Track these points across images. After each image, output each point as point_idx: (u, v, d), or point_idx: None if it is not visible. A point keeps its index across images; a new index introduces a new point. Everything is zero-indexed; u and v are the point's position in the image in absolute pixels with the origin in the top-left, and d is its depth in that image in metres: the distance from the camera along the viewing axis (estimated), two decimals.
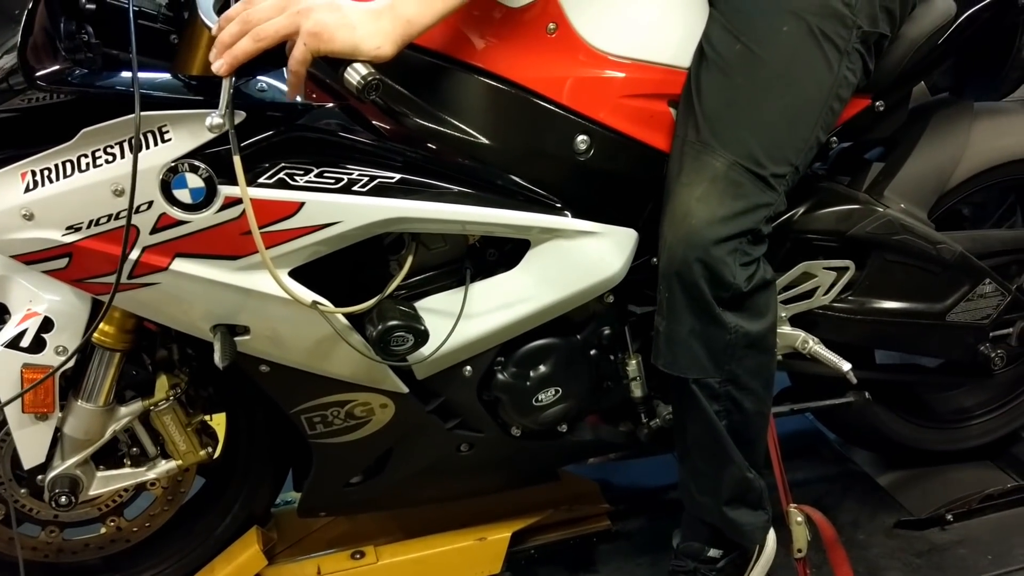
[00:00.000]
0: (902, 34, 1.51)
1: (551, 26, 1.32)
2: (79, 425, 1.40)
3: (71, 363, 1.35)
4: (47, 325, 1.32)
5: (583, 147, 1.36)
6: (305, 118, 1.24)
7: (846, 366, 1.59)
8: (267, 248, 1.20)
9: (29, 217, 1.19)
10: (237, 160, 1.14)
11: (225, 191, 1.20)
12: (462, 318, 1.37)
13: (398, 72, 1.29)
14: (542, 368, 1.47)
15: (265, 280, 1.25)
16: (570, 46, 1.34)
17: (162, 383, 1.44)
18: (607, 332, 1.51)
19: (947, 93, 1.77)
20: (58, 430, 1.40)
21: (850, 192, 1.69)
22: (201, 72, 1.23)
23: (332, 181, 1.24)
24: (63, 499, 1.40)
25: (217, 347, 1.24)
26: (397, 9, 1.12)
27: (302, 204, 1.22)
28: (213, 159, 1.19)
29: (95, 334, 1.35)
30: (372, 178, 1.26)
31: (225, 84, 1.11)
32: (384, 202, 1.26)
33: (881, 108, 1.59)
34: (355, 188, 1.25)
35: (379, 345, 1.26)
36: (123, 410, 1.44)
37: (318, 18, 1.09)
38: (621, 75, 1.35)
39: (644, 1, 1.38)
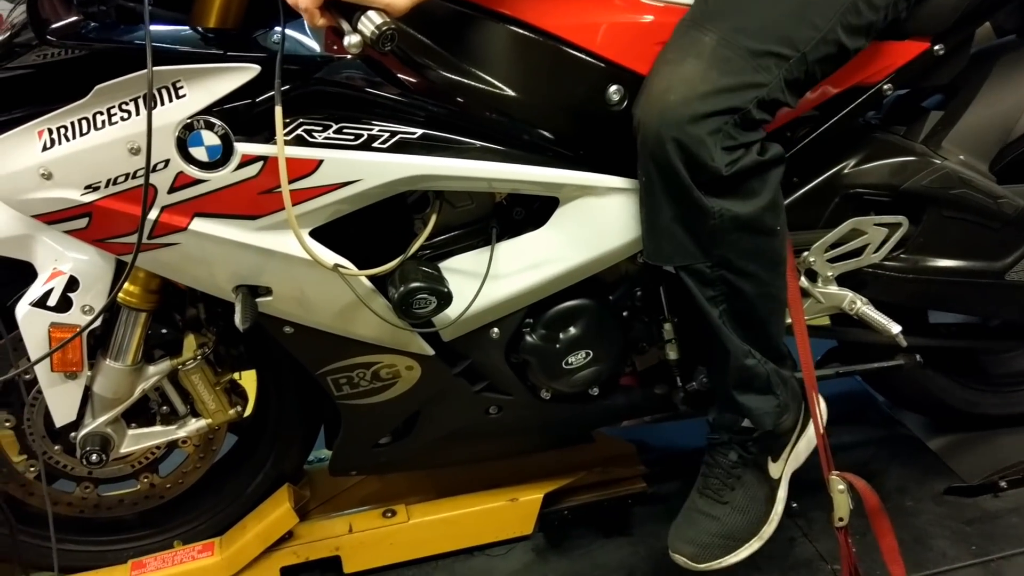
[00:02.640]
0: None
1: None
2: (108, 384, 1.40)
3: (97, 323, 1.33)
4: (72, 284, 1.31)
5: (616, 98, 1.30)
6: (324, 71, 1.20)
7: (895, 328, 1.52)
8: (271, 212, 1.17)
9: (48, 176, 1.17)
10: (279, 111, 1.11)
11: (242, 149, 1.17)
12: (488, 279, 1.33)
13: (422, 22, 1.24)
14: (572, 330, 1.42)
15: (286, 241, 1.22)
16: None
17: (190, 342, 1.43)
18: (640, 293, 1.46)
19: (1014, 36, 1.66)
20: (88, 388, 1.39)
21: (905, 143, 1.60)
22: (217, 24, 1.19)
23: (351, 137, 1.20)
24: (93, 457, 1.40)
25: (238, 309, 1.22)
26: None
27: (321, 162, 1.18)
28: (229, 115, 1.15)
29: (120, 294, 1.33)
30: (393, 134, 1.21)
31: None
32: (405, 159, 1.22)
33: (940, 52, 1.50)
34: (375, 144, 1.21)
35: (401, 307, 1.23)
36: (151, 369, 1.43)
37: None
38: (655, 19, 1.29)
39: None
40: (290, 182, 1.17)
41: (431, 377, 1.42)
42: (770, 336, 1.40)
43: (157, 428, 1.49)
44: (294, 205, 1.19)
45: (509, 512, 1.70)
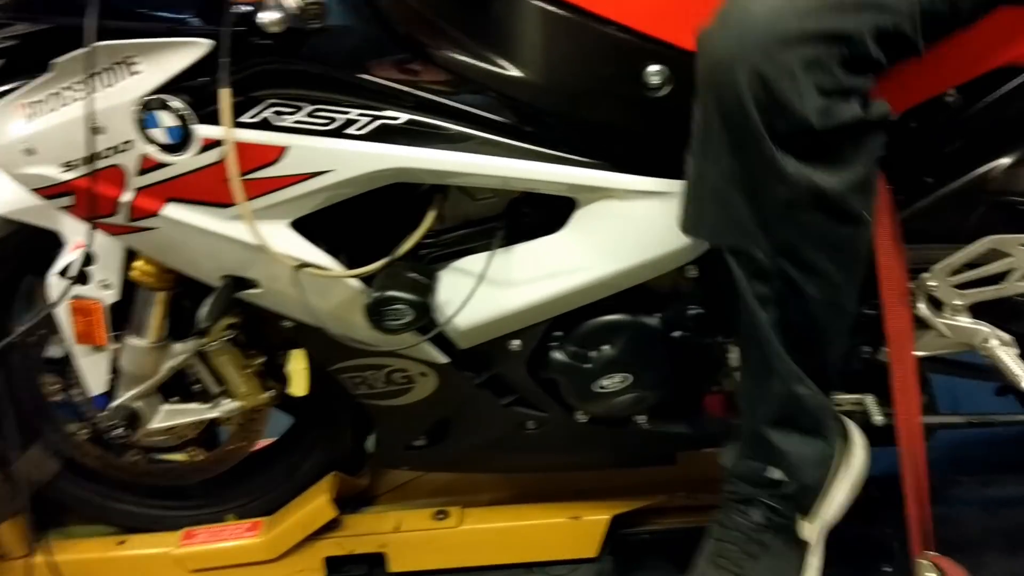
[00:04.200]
0: None
1: None
2: (131, 360, 1.38)
3: (115, 298, 1.30)
4: (89, 258, 1.28)
5: (656, 80, 1.07)
6: (307, 44, 1.06)
7: None
8: (252, 198, 1.06)
9: (31, 152, 1.14)
10: (225, 93, 1.00)
11: (202, 131, 1.07)
12: (504, 285, 1.15)
13: None
14: (607, 349, 1.22)
15: (266, 233, 1.11)
16: None
17: (218, 323, 1.37)
18: (694, 312, 1.21)
19: None
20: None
21: None
22: None
23: (325, 121, 1.06)
24: (119, 430, 1.39)
25: (207, 302, 1.13)
26: None
27: (285, 149, 1.05)
28: (190, 93, 1.05)
29: (135, 273, 1.29)
30: (374, 118, 1.06)
31: None
32: (385, 149, 1.06)
33: None
34: (351, 131, 1.06)
35: (371, 317, 1.09)
36: (178, 347, 1.39)
37: None
38: None
39: None
40: (252, 170, 1.07)
41: (449, 386, 1.28)
42: (826, 359, 1.09)
43: (192, 406, 1.46)
44: (259, 196, 1.07)
45: (571, 530, 1.53)
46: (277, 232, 1.10)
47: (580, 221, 1.12)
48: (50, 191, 1.16)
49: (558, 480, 1.59)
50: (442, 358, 1.24)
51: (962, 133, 1.23)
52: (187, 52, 1.04)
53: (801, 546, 1.16)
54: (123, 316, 1.37)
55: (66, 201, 1.17)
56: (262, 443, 1.63)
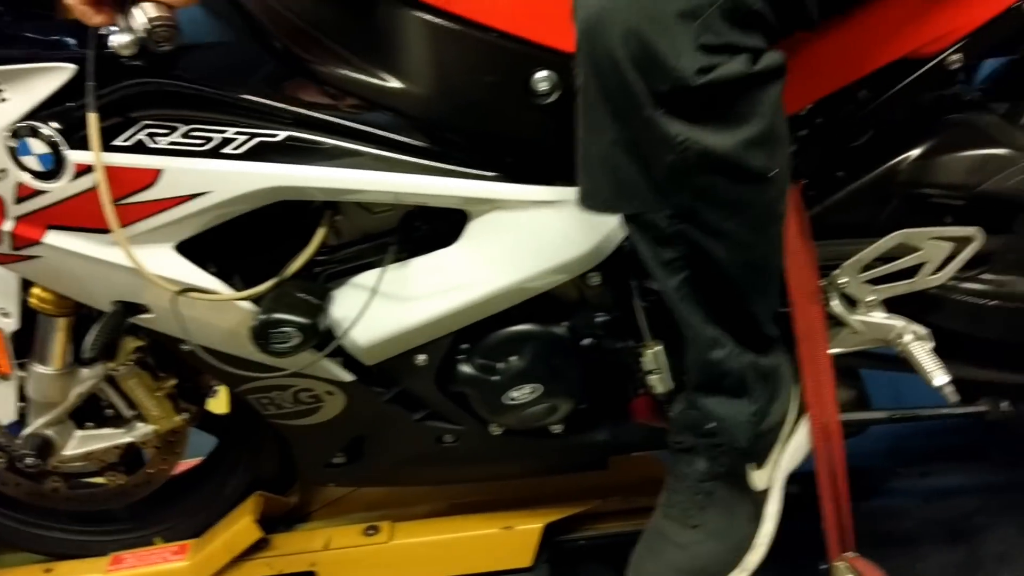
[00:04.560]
0: None
1: None
2: (37, 388, 1.35)
3: (14, 327, 1.27)
4: None
5: (545, 87, 1.04)
6: (175, 63, 1.03)
7: (938, 379, 1.16)
8: (130, 223, 1.02)
9: None
10: (92, 118, 0.97)
11: (73, 157, 1.03)
12: (404, 300, 1.12)
13: (301, 5, 1.04)
14: (514, 361, 1.19)
15: (149, 257, 1.07)
16: None
17: (125, 347, 1.35)
18: (602, 319, 1.19)
19: None
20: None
21: (995, 129, 1.21)
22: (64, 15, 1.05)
23: (200, 142, 1.03)
24: (29, 460, 1.35)
25: (92, 331, 1.10)
26: None
27: (160, 171, 1.02)
28: (61, 118, 1.01)
29: (33, 300, 1.26)
30: (251, 136, 1.03)
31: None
32: (263, 168, 1.04)
33: None
34: (228, 150, 1.03)
35: (256, 340, 1.06)
36: (85, 373, 1.36)
37: None
38: None
39: None
40: (128, 195, 1.04)
41: (358, 403, 1.26)
42: (752, 318, 1.05)
43: (105, 431, 1.43)
44: (137, 221, 1.04)
45: (505, 541, 1.51)
46: (161, 256, 1.07)
47: (473, 233, 1.10)
48: None
49: (492, 489, 1.57)
50: (347, 376, 1.21)
51: (870, 126, 1.21)
52: (52, 77, 1.01)
53: (754, 496, 1.15)
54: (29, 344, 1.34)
55: None
56: (188, 464, 1.61)
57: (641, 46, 0.85)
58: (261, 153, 1.03)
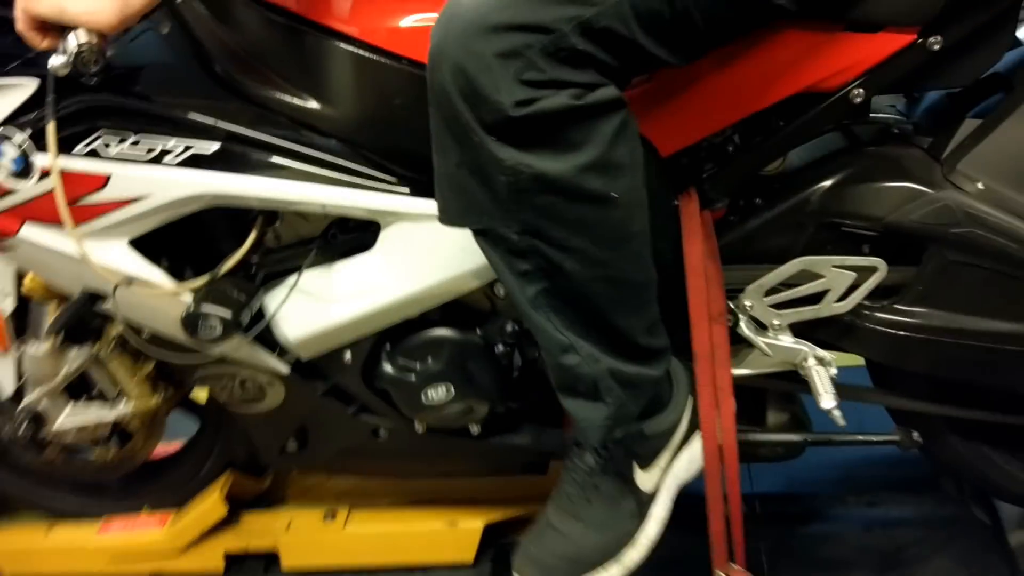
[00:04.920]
0: None
1: None
2: (31, 365, 1.50)
3: (8, 310, 1.44)
4: None
5: None
6: (131, 80, 1.17)
7: (826, 404, 1.21)
8: (86, 221, 1.17)
9: None
10: (51, 128, 1.12)
11: (39, 161, 1.19)
12: (320, 300, 1.25)
13: (242, 30, 1.17)
14: (429, 362, 1.29)
15: (100, 251, 1.22)
16: None
17: (108, 332, 1.49)
18: (512, 328, 1.28)
19: None
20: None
21: (906, 162, 1.26)
22: None
23: (144, 151, 1.17)
24: (22, 430, 1.51)
25: (56, 313, 1.25)
26: None
27: (109, 177, 1.17)
28: (30, 126, 1.17)
29: (25, 285, 1.42)
30: (187, 147, 1.16)
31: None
32: (194, 176, 1.17)
33: (938, 46, 1.13)
34: (167, 159, 1.17)
35: (185, 328, 1.19)
36: (73, 353, 1.51)
37: None
38: None
39: None
40: (83, 196, 1.18)
41: (296, 394, 1.38)
42: (616, 330, 1.10)
43: (93, 408, 1.58)
44: (92, 219, 1.19)
45: (449, 536, 1.61)
46: (114, 250, 1.22)
47: (384, 243, 1.21)
48: None
49: (443, 488, 1.66)
50: (284, 368, 1.33)
51: (779, 155, 1.27)
52: (21, 91, 1.16)
53: (638, 495, 1.21)
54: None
55: None
56: (176, 444, 1.76)
57: (467, 80, 0.93)
58: (195, 163, 1.17)
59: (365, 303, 1.23)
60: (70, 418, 1.57)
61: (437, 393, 1.30)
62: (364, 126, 1.16)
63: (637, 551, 1.21)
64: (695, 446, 1.24)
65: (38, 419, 1.54)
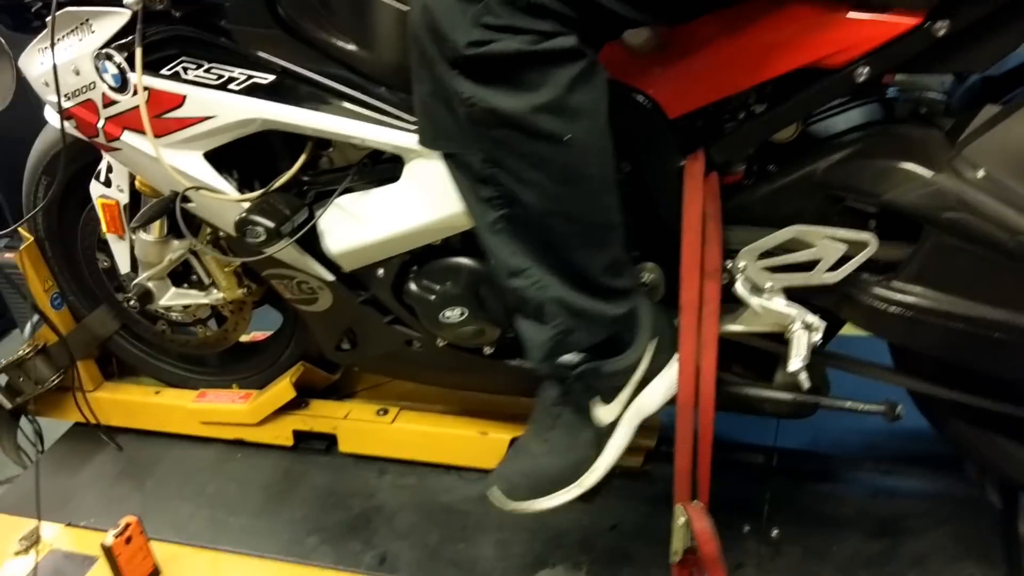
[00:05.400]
0: None
1: None
2: (142, 250, 1.77)
3: (124, 201, 1.71)
4: (111, 166, 1.69)
5: None
6: (207, 13, 1.37)
7: (793, 366, 1.27)
8: (166, 134, 1.39)
9: (47, 84, 1.53)
10: (138, 52, 1.34)
11: (133, 79, 1.41)
12: (362, 222, 1.41)
13: None
14: (449, 285, 1.45)
15: (183, 160, 1.44)
16: None
17: (204, 228, 1.74)
18: None
19: None
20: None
21: (915, 143, 1.27)
22: None
23: (215, 77, 1.37)
24: (132, 302, 1.80)
25: (146, 208, 1.49)
26: None
27: (185, 97, 1.37)
28: (128, 48, 1.39)
29: (137, 183, 1.67)
30: (249, 77, 1.35)
31: None
32: (251, 103, 1.36)
33: (943, 31, 1.16)
34: (231, 86, 1.36)
35: (237, 231, 1.39)
36: (176, 243, 1.77)
37: None
38: None
39: None
40: (166, 111, 1.40)
41: (340, 300, 1.56)
42: (570, 263, 1.18)
43: (192, 291, 1.84)
44: (173, 132, 1.40)
45: (481, 443, 1.78)
46: (190, 160, 1.43)
47: (407, 175, 1.36)
48: (65, 115, 1.55)
49: (485, 401, 1.83)
50: (328, 276, 1.53)
51: (784, 124, 1.31)
52: (118, 18, 1.37)
53: (596, 426, 1.31)
54: None
55: (73, 123, 1.56)
56: (265, 333, 2.02)
57: (431, 19, 1.05)
58: (253, 91, 1.35)
59: (389, 227, 1.39)
60: (172, 299, 1.84)
61: (453, 314, 1.46)
62: (396, 72, 1.30)
63: (593, 475, 1.31)
64: (658, 384, 1.32)
65: (146, 295, 1.81)
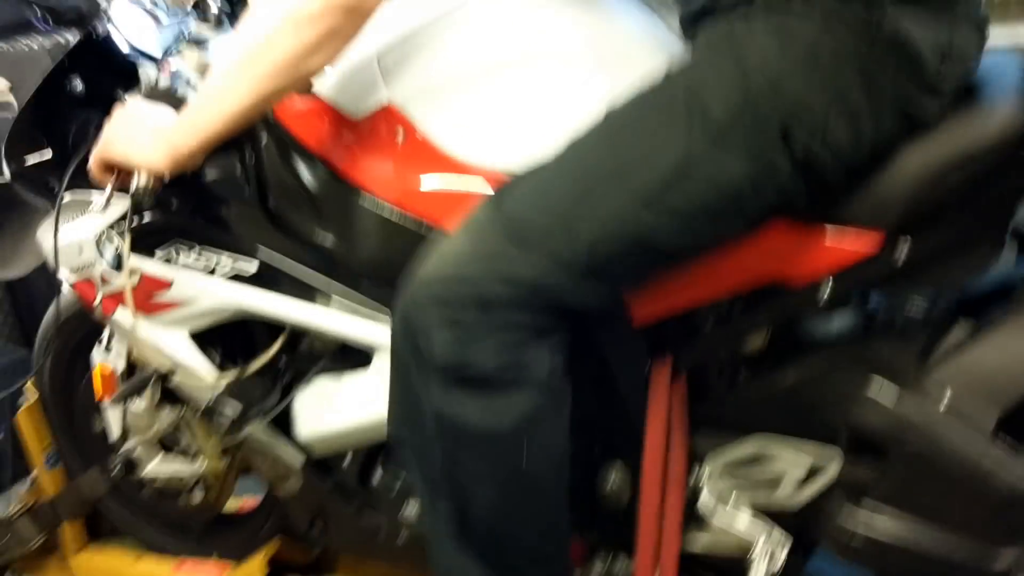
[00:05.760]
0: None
1: (399, 133, 1.30)
2: (131, 418, 1.80)
3: (120, 368, 1.75)
4: (110, 339, 1.75)
5: None
6: (201, 204, 1.44)
7: None
8: (154, 314, 1.45)
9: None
10: (125, 244, 1.42)
11: (127, 261, 1.48)
12: (330, 407, 1.45)
13: (295, 175, 1.41)
14: (408, 480, 1.45)
15: (167, 337, 1.49)
16: (420, 153, 1.30)
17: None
18: None
19: None
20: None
21: (879, 363, 1.26)
22: None
23: (203, 263, 1.43)
24: (115, 472, 1.81)
25: (130, 381, 1.54)
26: (167, 134, 1.27)
27: (173, 280, 1.44)
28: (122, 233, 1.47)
29: (133, 353, 1.72)
30: (233, 265, 1.41)
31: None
32: (231, 290, 1.41)
33: (904, 256, 1.18)
34: (217, 272, 1.42)
35: (204, 414, 1.42)
36: (165, 413, 1.79)
37: (113, 128, 1.29)
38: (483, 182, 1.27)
39: (514, 98, 1.27)
40: (156, 293, 1.46)
41: (310, 484, 1.57)
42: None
43: (176, 462, 1.85)
44: (161, 312, 1.46)
45: None
46: (177, 339, 1.48)
47: (376, 365, 1.39)
48: (72, 286, 1.62)
49: None
50: (296, 462, 1.54)
51: (745, 337, 1.33)
52: (122, 205, 1.45)
53: None
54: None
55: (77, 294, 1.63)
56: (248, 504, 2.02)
57: (406, 324, 1.17)
58: (236, 279, 1.41)
59: (354, 417, 1.42)
60: (158, 466, 1.85)
61: (413, 509, 1.45)
62: (366, 263, 1.35)
63: None
64: None
65: (131, 464, 1.83)
